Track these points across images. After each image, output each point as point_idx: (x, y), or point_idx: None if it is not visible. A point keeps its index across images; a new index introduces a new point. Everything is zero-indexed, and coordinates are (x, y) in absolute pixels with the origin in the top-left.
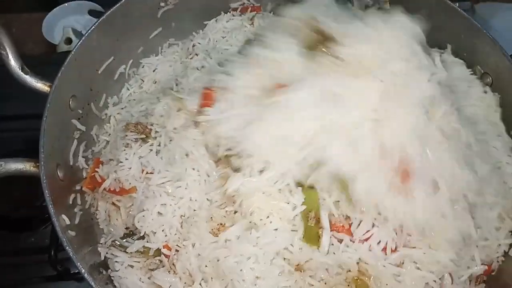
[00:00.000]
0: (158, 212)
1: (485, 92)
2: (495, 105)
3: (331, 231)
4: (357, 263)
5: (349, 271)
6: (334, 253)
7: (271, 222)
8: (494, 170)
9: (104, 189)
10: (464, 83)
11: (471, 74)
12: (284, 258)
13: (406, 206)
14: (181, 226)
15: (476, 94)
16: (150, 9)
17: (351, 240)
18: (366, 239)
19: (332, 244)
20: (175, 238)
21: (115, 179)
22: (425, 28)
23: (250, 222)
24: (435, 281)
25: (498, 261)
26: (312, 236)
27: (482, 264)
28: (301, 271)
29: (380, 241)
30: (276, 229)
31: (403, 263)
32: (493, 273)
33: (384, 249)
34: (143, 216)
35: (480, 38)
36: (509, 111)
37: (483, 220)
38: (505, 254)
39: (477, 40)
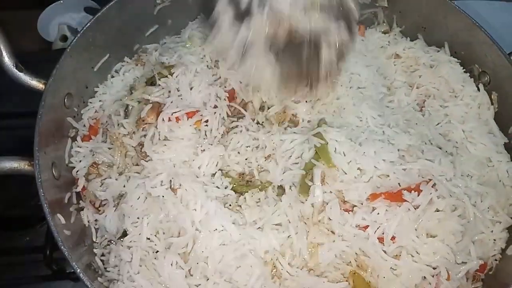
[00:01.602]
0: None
1: (478, 90)
2: (487, 103)
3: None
4: (356, 253)
5: (348, 264)
6: (334, 241)
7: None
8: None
9: (90, 201)
10: (458, 82)
11: (465, 72)
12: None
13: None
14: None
15: (468, 93)
16: (146, 6)
17: (351, 226)
18: (365, 227)
19: (333, 233)
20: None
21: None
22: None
23: None
24: (432, 276)
25: (495, 259)
26: (304, 189)
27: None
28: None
29: (378, 228)
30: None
31: (400, 254)
32: (490, 272)
33: (382, 239)
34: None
35: (477, 36)
36: (506, 109)
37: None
38: (502, 252)
39: (474, 38)
